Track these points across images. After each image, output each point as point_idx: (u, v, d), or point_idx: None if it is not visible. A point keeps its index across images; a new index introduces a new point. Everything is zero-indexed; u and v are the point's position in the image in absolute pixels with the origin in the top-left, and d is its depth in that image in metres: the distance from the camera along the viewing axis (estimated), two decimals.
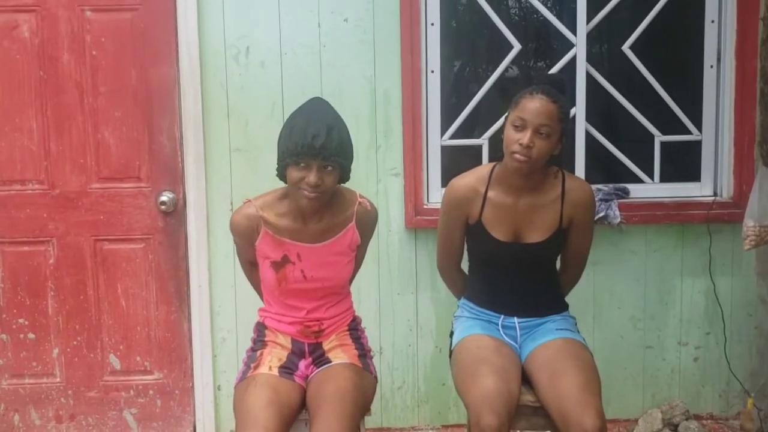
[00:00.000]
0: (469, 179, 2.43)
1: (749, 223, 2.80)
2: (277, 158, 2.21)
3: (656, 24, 3.16)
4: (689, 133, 3.23)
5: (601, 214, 3.07)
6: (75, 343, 3.18)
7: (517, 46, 3.16)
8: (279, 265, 2.27)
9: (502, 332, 2.43)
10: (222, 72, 3.07)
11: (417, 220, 3.12)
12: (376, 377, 2.39)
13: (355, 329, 2.41)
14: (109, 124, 3.08)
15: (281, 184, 2.28)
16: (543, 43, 3.58)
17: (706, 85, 3.20)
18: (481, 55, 3.60)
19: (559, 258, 2.51)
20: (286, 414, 2.15)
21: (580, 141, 3.18)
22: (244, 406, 2.15)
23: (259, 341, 2.37)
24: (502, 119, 2.45)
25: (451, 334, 2.52)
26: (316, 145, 2.10)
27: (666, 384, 3.27)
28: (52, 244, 3.13)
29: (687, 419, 3.15)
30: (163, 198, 3.09)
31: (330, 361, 2.29)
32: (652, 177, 3.24)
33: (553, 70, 3.16)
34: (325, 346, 2.34)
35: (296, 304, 2.32)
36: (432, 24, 3.11)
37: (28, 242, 3.12)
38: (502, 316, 2.44)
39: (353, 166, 2.26)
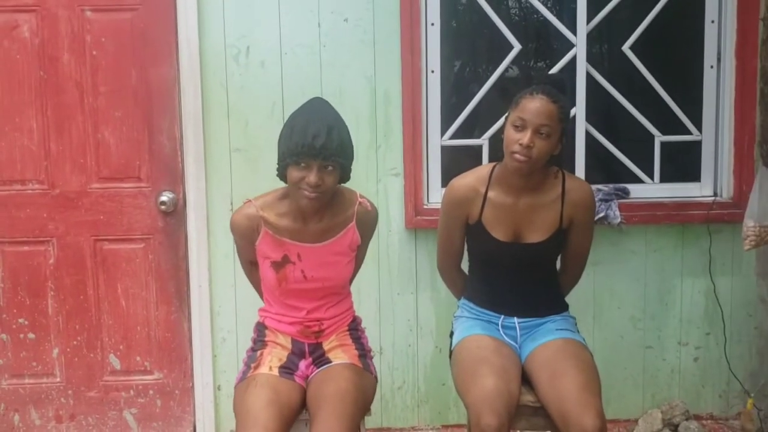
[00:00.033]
0: (470, 179, 2.43)
1: (749, 224, 2.80)
2: (277, 158, 2.21)
3: (656, 24, 3.16)
4: (689, 133, 3.23)
5: (601, 214, 3.07)
6: (75, 343, 3.18)
7: (517, 46, 3.16)
8: (279, 265, 2.27)
9: (502, 332, 2.43)
10: (222, 72, 3.07)
11: (417, 220, 3.12)
12: (376, 377, 2.39)
13: (355, 329, 2.41)
14: (109, 124, 3.08)
15: (281, 184, 2.28)
16: (543, 43, 3.58)
17: (706, 85, 3.20)
18: (481, 55, 3.60)
19: (559, 258, 2.51)
20: (287, 414, 2.15)
21: (580, 141, 3.18)
22: (245, 406, 2.15)
23: (260, 341, 2.37)
24: (502, 119, 2.45)
25: (451, 334, 2.52)
26: (316, 145, 2.10)
27: (666, 384, 3.27)
28: (52, 244, 3.13)
29: (687, 419, 3.15)
30: (163, 198, 3.09)
31: (330, 362, 2.29)
32: (652, 177, 3.24)
33: (554, 70, 3.16)
34: (326, 346, 2.34)
35: (296, 304, 2.32)
36: (432, 24, 3.11)
37: (28, 242, 3.12)
38: (502, 316, 2.44)
39: (353, 166, 2.26)
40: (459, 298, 2.59)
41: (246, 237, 2.30)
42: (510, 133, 2.28)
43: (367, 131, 3.10)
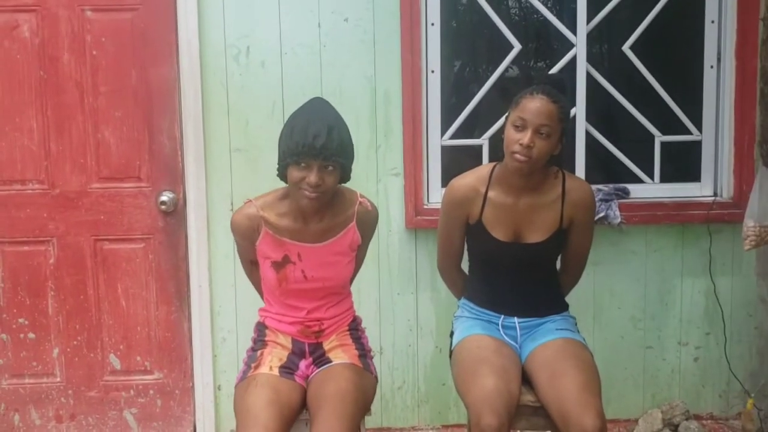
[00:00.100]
0: (470, 179, 2.43)
1: (749, 224, 2.80)
2: (277, 158, 2.21)
3: (656, 24, 3.16)
4: (689, 133, 3.23)
5: (602, 215, 3.07)
6: (75, 342, 3.18)
7: (517, 46, 3.16)
8: (280, 265, 2.27)
9: (502, 332, 2.43)
10: (222, 72, 3.07)
11: (417, 220, 3.12)
12: (376, 377, 2.39)
13: (355, 329, 2.41)
14: (110, 124, 3.08)
15: (281, 184, 2.28)
16: (543, 43, 3.58)
17: (706, 85, 3.20)
18: (481, 55, 3.60)
19: (559, 258, 2.51)
20: (287, 414, 2.16)
21: (580, 141, 3.18)
22: (245, 406, 2.15)
23: (260, 341, 2.37)
24: (503, 119, 2.45)
25: (452, 334, 2.52)
26: (316, 145, 2.10)
27: (666, 384, 3.27)
28: (52, 243, 3.13)
29: (687, 419, 3.15)
30: (164, 198, 3.09)
31: (330, 361, 2.29)
32: (652, 177, 3.24)
33: (554, 70, 3.16)
34: (326, 346, 2.34)
35: (297, 304, 2.32)
36: (432, 24, 3.11)
37: (28, 242, 3.12)
38: (503, 316, 2.44)
39: (353, 166, 2.26)
40: (459, 298, 2.59)
41: (246, 237, 2.30)
42: (510, 133, 2.28)
43: (368, 131, 3.10)
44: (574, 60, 3.15)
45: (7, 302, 3.15)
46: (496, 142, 3.07)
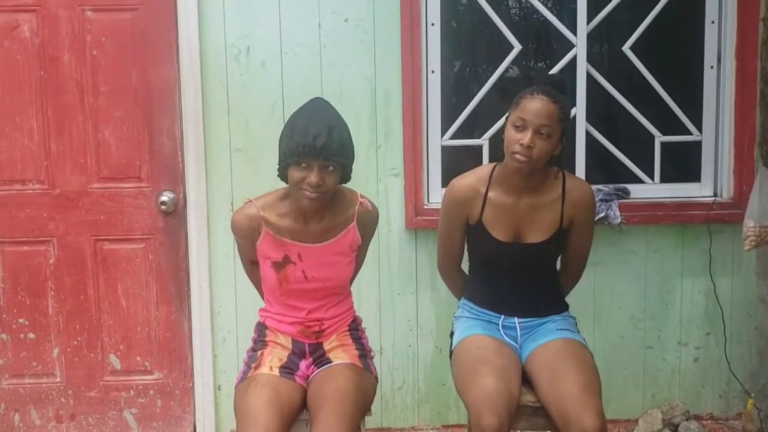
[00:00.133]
0: (470, 179, 2.43)
1: (749, 224, 2.80)
2: (278, 158, 2.21)
3: (656, 24, 3.16)
4: (689, 133, 3.23)
5: (602, 215, 3.07)
6: (75, 343, 3.18)
7: (517, 47, 3.16)
8: (280, 266, 2.27)
9: (502, 332, 2.43)
10: (222, 72, 3.07)
11: (417, 221, 3.12)
12: (376, 377, 2.39)
13: (355, 329, 2.41)
14: (110, 124, 3.08)
15: (281, 184, 2.28)
16: (543, 43, 3.58)
17: (707, 85, 3.20)
18: (481, 56, 3.60)
19: (559, 258, 2.51)
20: (287, 414, 2.16)
21: (580, 141, 3.18)
22: (245, 406, 2.15)
23: (260, 341, 2.37)
24: (503, 119, 2.45)
25: (452, 334, 2.52)
26: (317, 145, 2.10)
27: (666, 384, 3.27)
28: (52, 243, 3.13)
29: (687, 419, 3.15)
30: (164, 198, 3.09)
31: (330, 362, 2.29)
32: (652, 177, 3.24)
33: (554, 70, 3.16)
34: (326, 346, 2.34)
35: (297, 305, 2.32)
36: (432, 24, 3.11)
37: (28, 242, 3.12)
38: (503, 317, 2.44)
39: (353, 166, 2.26)
40: (459, 299, 2.59)
41: (247, 237, 2.30)
42: (510, 134, 2.28)
43: (368, 131, 3.10)
44: (574, 60, 3.15)
45: (7, 302, 3.15)
46: (497, 142, 3.07)
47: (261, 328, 2.39)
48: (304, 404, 2.25)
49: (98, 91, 3.06)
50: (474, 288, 2.51)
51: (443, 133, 3.17)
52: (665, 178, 3.24)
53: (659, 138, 3.22)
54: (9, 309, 3.15)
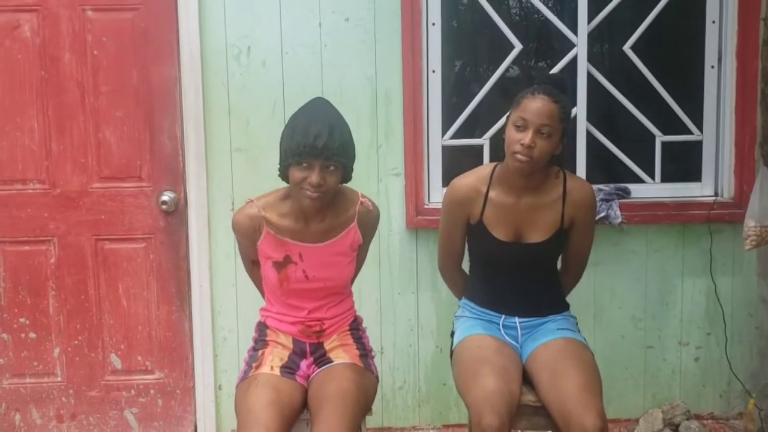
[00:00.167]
0: (471, 179, 2.43)
1: (750, 224, 2.80)
2: (279, 158, 2.21)
3: (657, 24, 3.16)
4: (690, 133, 3.23)
5: (602, 214, 3.07)
6: (76, 342, 3.18)
7: (518, 46, 3.16)
8: (281, 265, 2.27)
9: (503, 332, 2.43)
10: (223, 71, 3.07)
11: (418, 220, 3.12)
12: (377, 377, 2.39)
13: (356, 329, 2.41)
14: (110, 124, 3.08)
15: (282, 184, 2.28)
16: (544, 43, 3.58)
17: (707, 85, 3.20)
18: (482, 55, 3.60)
19: (560, 258, 2.51)
20: (288, 414, 2.15)
21: (581, 141, 3.18)
22: (246, 406, 2.15)
23: (261, 341, 2.37)
24: (503, 119, 2.45)
25: (452, 334, 2.52)
26: (318, 145, 2.10)
27: (667, 384, 3.27)
28: (53, 243, 3.13)
29: (688, 419, 3.15)
30: (164, 197, 3.09)
31: (331, 361, 2.29)
32: (653, 177, 3.24)
33: (554, 70, 3.16)
34: (327, 346, 2.34)
35: (298, 304, 2.32)
36: (433, 24, 3.11)
37: (29, 242, 3.12)
38: (503, 316, 2.44)
39: (354, 166, 2.26)
40: (460, 298, 2.59)
41: (248, 237, 2.30)
42: (511, 133, 2.28)
43: (368, 131, 3.10)
44: (575, 60, 3.15)
45: (8, 302, 3.15)
46: (497, 142, 3.07)
47: (262, 328, 2.39)
48: (304, 404, 2.25)
49: (99, 91, 3.06)
50: (475, 288, 2.51)
51: (444, 132, 3.17)
52: (666, 178, 3.24)
53: (660, 138, 3.22)
54: (10, 308, 3.15)
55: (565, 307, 2.50)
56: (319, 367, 2.30)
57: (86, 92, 3.06)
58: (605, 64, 3.47)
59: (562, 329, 2.40)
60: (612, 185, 3.19)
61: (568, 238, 2.42)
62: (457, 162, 3.14)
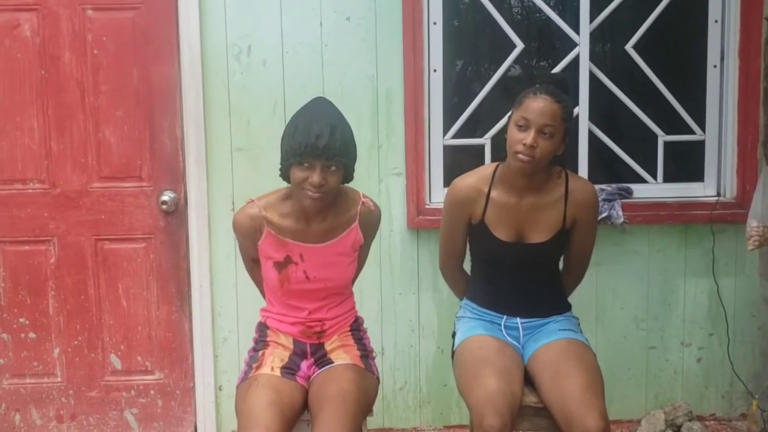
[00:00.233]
0: (472, 179, 2.42)
1: (752, 224, 2.79)
2: (280, 158, 2.20)
3: (659, 23, 3.16)
4: (693, 132, 3.22)
5: (604, 214, 3.06)
6: (76, 342, 3.17)
7: (520, 46, 3.15)
8: (282, 266, 2.27)
9: (504, 333, 2.42)
10: (223, 71, 3.06)
11: (419, 220, 3.11)
12: (378, 378, 2.38)
13: (357, 330, 2.40)
14: (111, 123, 3.07)
15: (283, 184, 2.27)
16: (546, 42, 3.57)
17: (710, 84, 3.19)
18: (483, 55, 3.59)
19: (562, 258, 2.50)
20: (288, 414, 2.15)
21: (583, 141, 3.17)
22: (246, 407, 2.14)
23: (261, 341, 2.36)
24: (505, 119, 2.44)
25: (454, 334, 2.51)
26: (319, 145, 2.09)
27: (669, 385, 3.26)
28: (53, 243, 3.12)
29: (690, 420, 3.14)
30: (165, 197, 3.08)
31: (332, 362, 2.29)
32: (655, 177, 3.23)
33: (556, 69, 3.15)
34: (327, 346, 2.33)
35: (298, 305, 2.31)
36: (434, 23, 3.10)
37: (28, 241, 3.12)
38: (505, 317, 2.43)
39: (355, 166, 2.25)
40: (461, 299, 2.58)
41: (249, 237, 2.29)
42: (513, 133, 2.27)
43: (369, 131, 3.10)
44: (577, 59, 3.14)
45: (7, 302, 3.14)
46: (499, 141, 3.06)
47: (262, 328, 2.39)
48: (305, 405, 2.25)
49: (99, 91, 3.05)
50: (476, 288, 2.50)
51: (445, 132, 3.16)
52: (668, 178, 3.23)
53: (662, 137, 3.21)
54: (10, 308, 3.15)
55: (567, 307, 2.50)
56: (320, 368, 2.29)
57: (86, 92, 3.05)
58: (607, 63, 3.46)
59: (564, 330, 2.39)
60: (614, 185, 3.18)
61: (570, 238, 2.42)
62: (458, 162, 3.13)
